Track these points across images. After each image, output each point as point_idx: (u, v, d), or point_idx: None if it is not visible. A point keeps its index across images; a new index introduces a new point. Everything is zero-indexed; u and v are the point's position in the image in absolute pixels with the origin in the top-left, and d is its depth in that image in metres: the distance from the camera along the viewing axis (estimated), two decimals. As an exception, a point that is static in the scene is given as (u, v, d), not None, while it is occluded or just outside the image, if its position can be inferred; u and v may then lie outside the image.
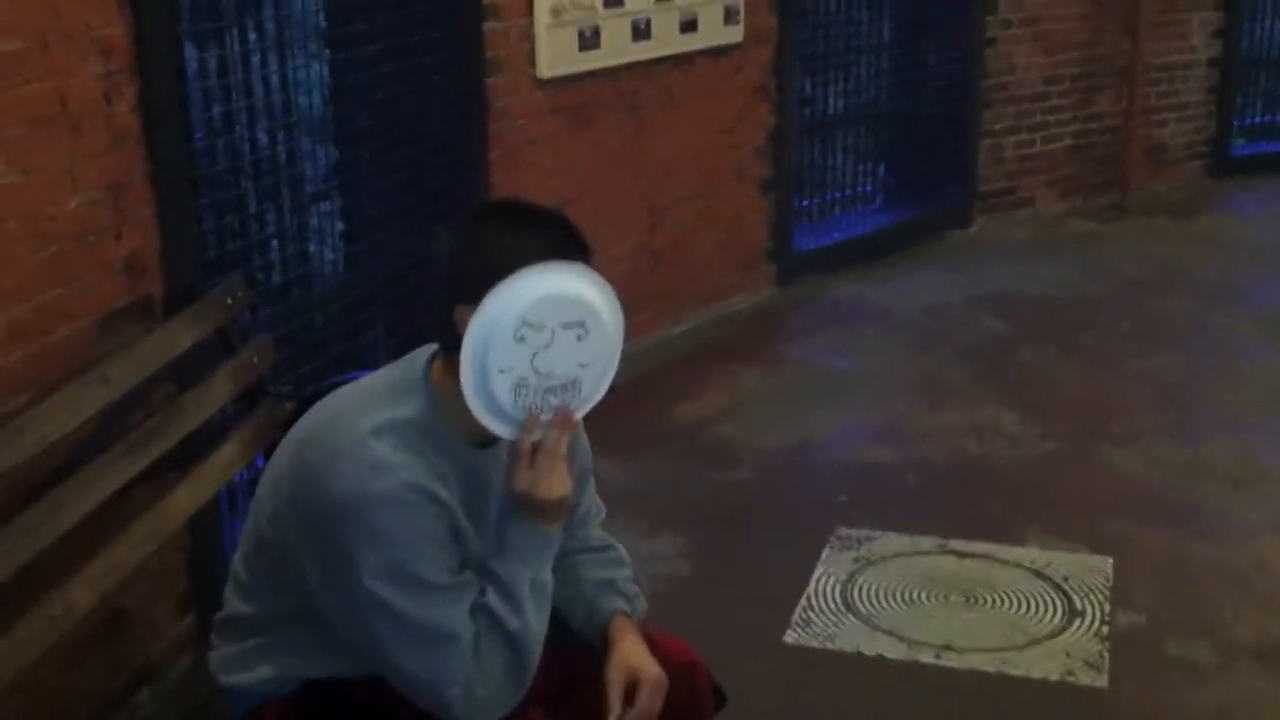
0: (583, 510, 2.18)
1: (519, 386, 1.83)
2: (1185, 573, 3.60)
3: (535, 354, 1.82)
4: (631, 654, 2.02)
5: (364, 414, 1.87)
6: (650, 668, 2.01)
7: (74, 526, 2.39)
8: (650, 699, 1.98)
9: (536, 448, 1.87)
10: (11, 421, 2.36)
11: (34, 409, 2.40)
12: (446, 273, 1.90)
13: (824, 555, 3.68)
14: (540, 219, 1.90)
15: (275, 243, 3.91)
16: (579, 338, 1.83)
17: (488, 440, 1.92)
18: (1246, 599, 3.47)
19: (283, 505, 1.92)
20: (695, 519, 3.93)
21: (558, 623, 2.03)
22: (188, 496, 2.73)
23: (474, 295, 1.79)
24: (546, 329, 1.81)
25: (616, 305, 1.89)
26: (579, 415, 1.92)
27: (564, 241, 1.86)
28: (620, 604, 2.11)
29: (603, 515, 2.25)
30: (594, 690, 2.01)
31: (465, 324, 1.80)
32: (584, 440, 2.13)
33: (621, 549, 2.23)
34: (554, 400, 1.86)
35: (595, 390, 1.91)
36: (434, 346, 1.95)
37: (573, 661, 2.09)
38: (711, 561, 3.70)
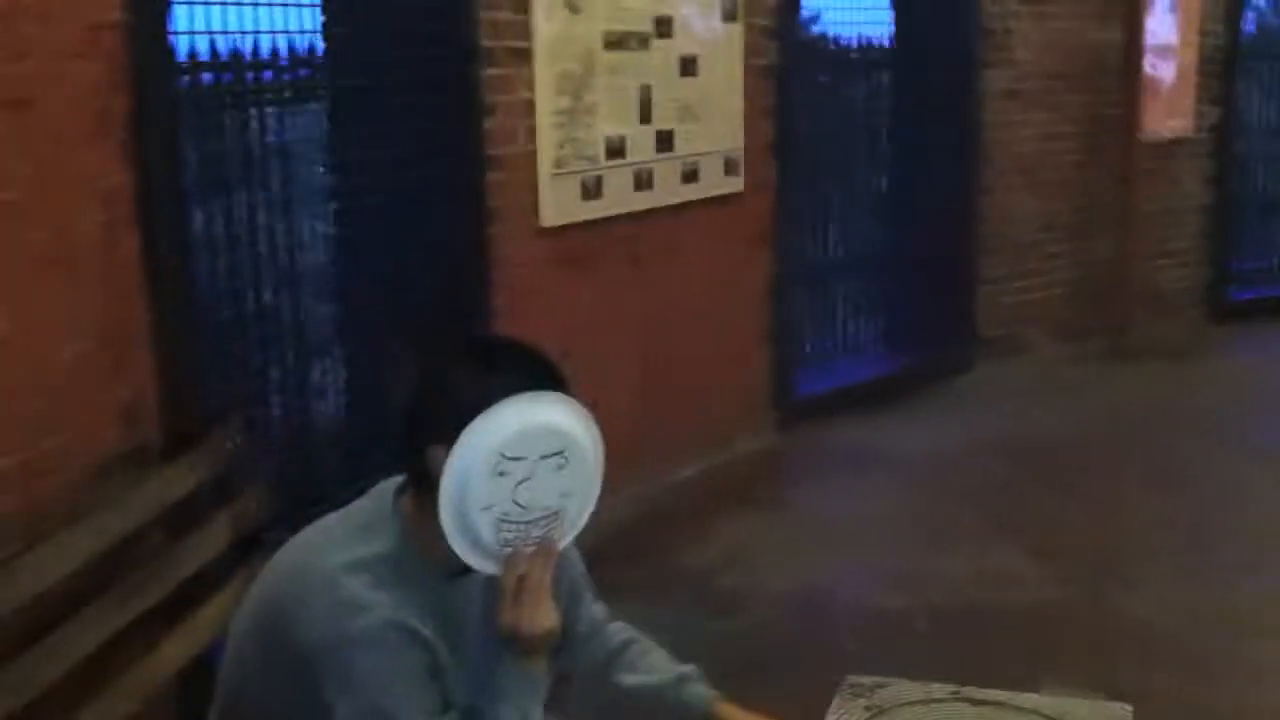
0: (588, 623, 2.14)
1: (501, 522, 1.79)
2: (1205, 722, 3.51)
3: (516, 488, 1.78)
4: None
5: (333, 552, 1.83)
6: None
7: (63, 677, 2.33)
8: None
9: (521, 582, 1.82)
10: (1, 570, 2.31)
11: (24, 557, 2.36)
12: (417, 412, 1.87)
13: (834, 705, 3.57)
14: (511, 353, 1.89)
15: (276, 393, 3.90)
16: (559, 467, 1.80)
17: (460, 571, 1.87)
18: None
19: (253, 654, 1.86)
20: (701, 669, 3.83)
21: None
22: (178, 648, 2.67)
23: (447, 434, 1.76)
24: (526, 461, 1.77)
25: (595, 431, 1.86)
26: (562, 544, 1.87)
27: (537, 373, 1.84)
28: (704, 689, 2.12)
29: (605, 618, 2.20)
30: None
31: (439, 463, 1.77)
32: (572, 552, 2.07)
33: (641, 635, 2.19)
34: (536, 532, 1.82)
35: (578, 519, 1.87)
36: (397, 479, 1.91)
37: None
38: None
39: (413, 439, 1.83)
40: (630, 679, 2.12)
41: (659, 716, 2.10)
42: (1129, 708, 3.56)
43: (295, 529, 1.91)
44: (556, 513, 1.83)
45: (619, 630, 2.18)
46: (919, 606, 4.18)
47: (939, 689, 3.63)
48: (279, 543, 2.91)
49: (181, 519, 2.84)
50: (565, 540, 1.87)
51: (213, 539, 2.82)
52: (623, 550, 4.28)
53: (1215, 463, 5.43)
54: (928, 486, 5.22)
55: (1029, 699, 3.60)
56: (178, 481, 2.80)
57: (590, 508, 1.88)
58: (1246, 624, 4.03)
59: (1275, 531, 4.74)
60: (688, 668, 2.17)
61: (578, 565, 2.12)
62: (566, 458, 1.80)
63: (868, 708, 3.56)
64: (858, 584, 4.37)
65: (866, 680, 3.37)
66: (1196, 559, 4.51)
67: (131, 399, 2.85)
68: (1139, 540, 4.70)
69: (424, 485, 1.82)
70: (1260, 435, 5.79)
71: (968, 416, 6.03)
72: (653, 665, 2.15)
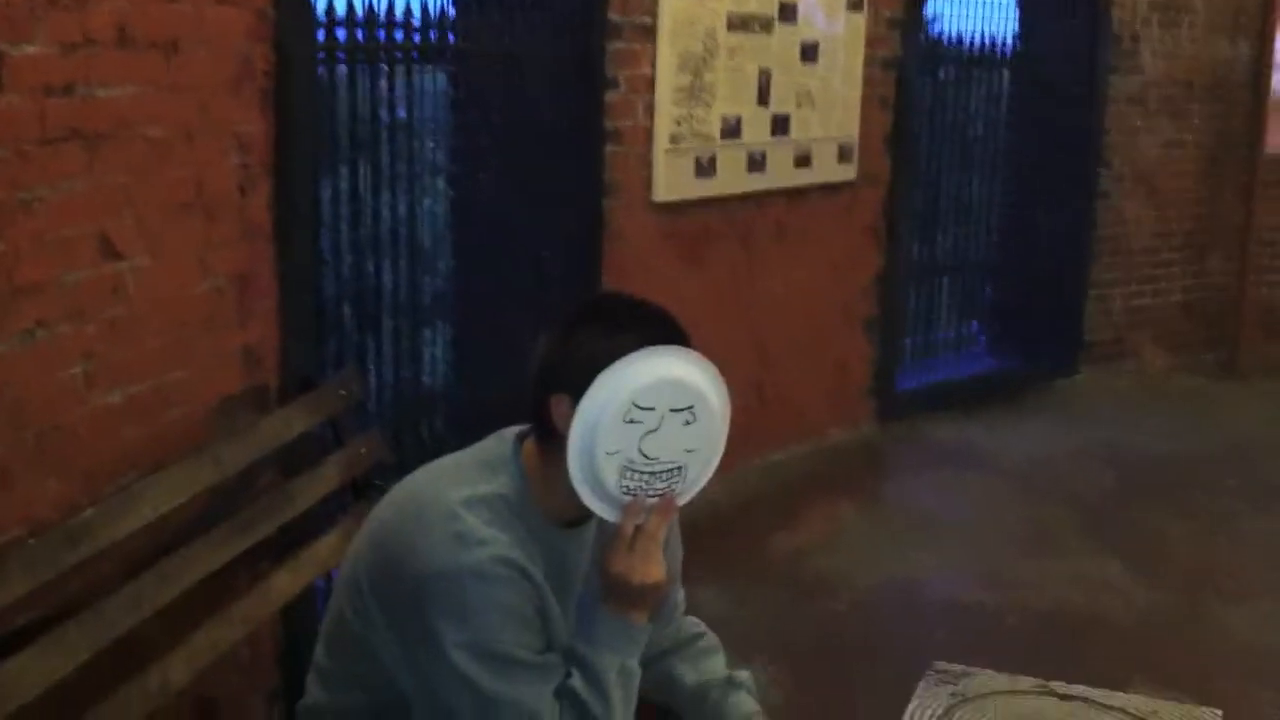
0: (673, 604, 2.16)
1: (625, 469, 1.82)
2: (1297, 734, 3.47)
3: (643, 437, 1.81)
4: None
5: (453, 487, 1.86)
6: None
7: (175, 602, 2.41)
8: None
9: (637, 532, 1.86)
10: (124, 493, 2.40)
11: (145, 481, 2.45)
12: (546, 363, 1.89)
13: (919, 689, 3.57)
14: (641, 311, 1.91)
15: (390, 350, 3.99)
16: (687, 423, 1.83)
17: (575, 521, 1.91)
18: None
19: (364, 582, 1.90)
20: (789, 648, 3.86)
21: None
22: (286, 583, 2.75)
23: (575, 385, 1.80)
24: (656, 413, 1.80)
25: (724, 392, 1.88)
26: (682, 501, 1.90)
27: (668, 332, 1.87)
28: (749, 700, 2.10)
29: (683, 607, 2.22)
30: None
31: (561, 413, 1.81)
32: (677, 532, 2.11)
33: (710, 633, 2.21)
34: (659, 485, 1.85)
35: (699, 477, 1.89)
36: (521, 427, 1.95)
37: None
38: (804, 692, 3.62)
39: (539, 388, 1.86)
40: (684, 670, 2.13)
41: (698, 710, 2.11)
42: (1219, 712, 3.53)
43: (403, 476, 1.96)
44: (680, 468, 1.85)
45: (693, 624, 2.21)
46: (1010, 604, 4.17)
47: (1025, 681, 3.61)
48: (385, 489, 3.01)
49: (295, 460, 2.92)
50: (685, 497, 1.90)
51: (323, 481, 2.90)
52: (719, 528, 4.33)
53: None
54: (1024, 488, 5.19)
55: (1117, 697, 3.56)
56: (293, 423, 2.88)
57: (713, 467, 1.90)
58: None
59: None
60: (743, 673, 2.16)
61: (680, 548, 2.15)
62: (695, 414, 1.83)
63: (953, 694, 3.57)
64: (948, 578, 4.36)
65: (953, 668, 3.38)
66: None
67: (254, 342, 2.93)
68: (1240, 557, 4.63)
69: (547, 433, 1.86)
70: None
71: (1068, 421, 5.98)
72: (710, 668, 2.16)
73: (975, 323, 6.66)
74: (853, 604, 4.16)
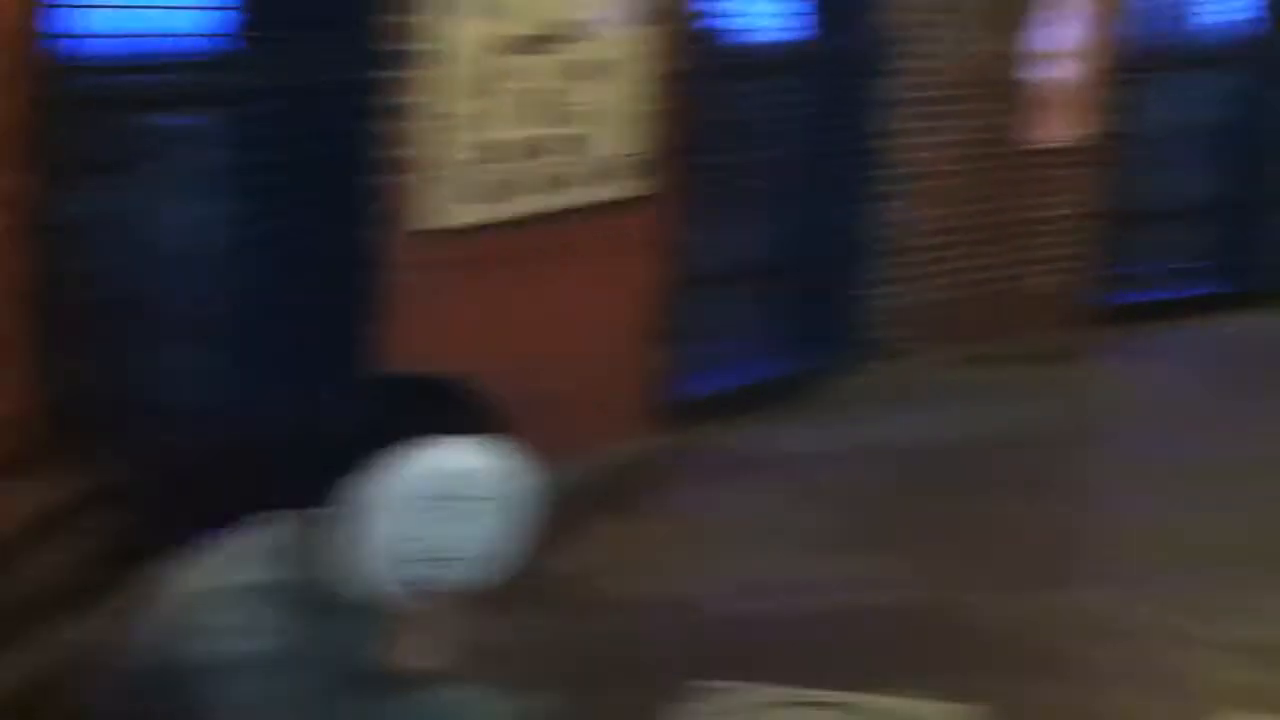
0: None
1: (409, 561, 1.80)
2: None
3: (432, 526, 1.79)
4: None
5: (222, 576, 1.83)
6: None
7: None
8: None
9: (416, 619, 1.85)
10: None
11: None
12: (337, 441, 1.85)
13: (671, 710, 3.64)
14: (444, 392, 1.90)
15: (150, 412, 3.87)
16: (477, 513, 1.82)
17: (353, 605, 1.87)
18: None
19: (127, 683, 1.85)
20: (563, 673, 3.88)
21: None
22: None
23: (360, 467, 1.77)
24: (448, 501, 1.79)
25: (526, 483, 1.89)
26: (467, 590, 1.89)
27: (469, 414, 1.86)
28: None
29: None
30: None
31: (347, 496, 1.78)
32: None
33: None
34: (444, 575, 1.83)
35: (488, 569, 1.88)
36: (293, 511, 1.90)
37: None
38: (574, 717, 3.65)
39: (316, 470, 1.83)
40: None
41: None
42: (981, 708, 3.67)
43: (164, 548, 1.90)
44: (466, 557, 1.84)
45: None
46: (789, 610, 4.26)
47: (785, 692, 3.71)
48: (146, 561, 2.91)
49: (41, 532, 2.83)
50: (471, 587, 1.88)
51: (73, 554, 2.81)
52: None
53: (1090, 469, 5.57)
54: (807, 491, 5.29)
55: (878, 702, 3.69)
56: (40, 493, 2.79)
57: (507, 560, 1.90)
58: (1099, 628, 4.15)
59: (1143, 539, 4.85)
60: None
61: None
62: (483, 503, 1.83)
63: (715, 712, 3.63)
64: (727, 589, 4.43)
65: (709, 685, 3.44)
66: (1059, 564, 4.65)
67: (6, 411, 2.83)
68: (1009, 546, 4.80)
69: (322, 517, 1.82)
70: (1136, 442, 5.94)
71: (852, 420, 6.11)
72: None
73: (761, 326, 6.77)
74: (628, 623, 4.20)
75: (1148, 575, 4.53)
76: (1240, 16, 8.35)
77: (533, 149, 4.81)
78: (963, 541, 4.84)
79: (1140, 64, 8.01)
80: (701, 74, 5.80)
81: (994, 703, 3.69)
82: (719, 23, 6.27)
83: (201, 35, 3.91)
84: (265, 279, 4.16)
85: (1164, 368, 7.20)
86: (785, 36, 6.58)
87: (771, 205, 6.73)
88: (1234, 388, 6.77)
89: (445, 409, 1.86)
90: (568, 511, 5.02)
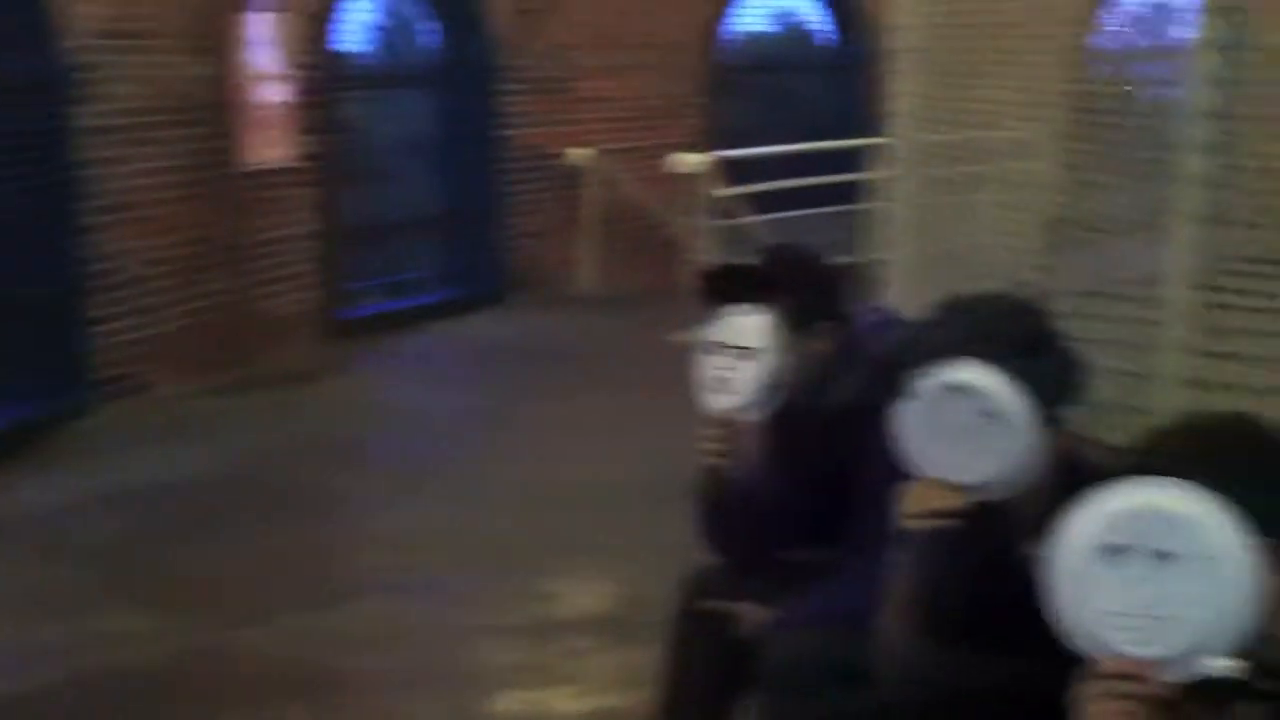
0: None
1: None
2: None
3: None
4: None
5: None
6: None
7: None
8: None
9: None
10: None
11: None
12: None
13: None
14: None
15: None
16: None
17: None
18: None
19: None
20: None
21: None
22: None
23: None
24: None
25: None
26: None
27: None
28: None
29: None
30: None
31: None
32: None
33: None
34: None
35: None
36: None
37: None
38: None
39: None
40: None
41: None
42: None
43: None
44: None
45: None
46: (29, 681, 3.84)
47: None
48: None
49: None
50: None
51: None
52: None
53: (341, 485, 5.56)
54: (37, 549, 4.85)
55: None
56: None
57: None
58: (365, 639, 4.13)
59: (392, 547, 4.89)
60: None
61: None
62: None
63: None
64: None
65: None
66: (320, 584, 4.57)
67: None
68: (266, 574, 4.66)
69: None
70: (379, 452, 6.04)
71: (82, 467, 5.69)
72: None
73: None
74: None
75: (420, 577, 4.58)
76: (443, 37, 8.78)
77: None
78: (219, 579, 4.63)
79: (351, 83, 8.21)
80: None
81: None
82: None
83: None
84: None
85: (403, 376, 7.43)
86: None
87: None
88: (473, 388, 7.12)
89: None
90: None
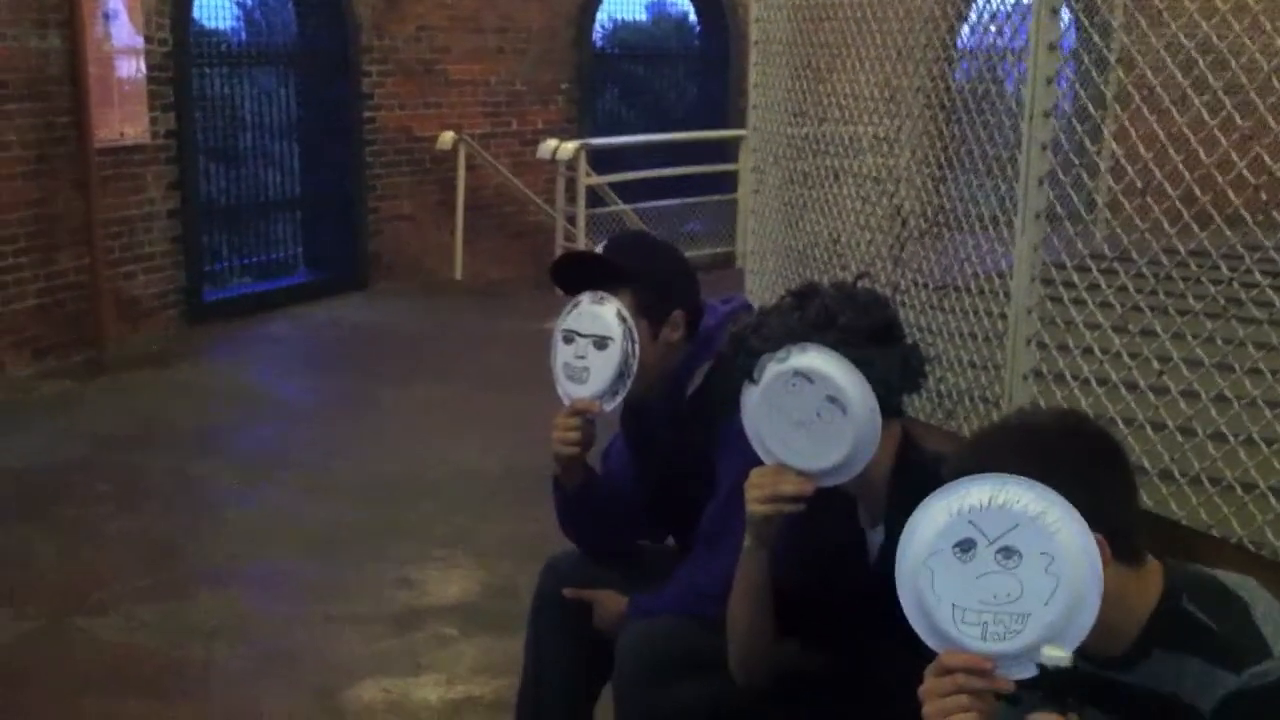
0: None
1: None
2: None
3: None
4: None
5: None
6: None
7: None
8: None
9: None
10: None
11: None
12: None
13: None
14: None
15: None
16: None
17: None
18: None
19: None
20: None
21: None
22: None
23: None
24: None
25: None
26: None
27: None
28: None
29: None
30: None
31: None
32: None
33: None
34: None
35: None
36: None
37: None
38: None
39: None
40: None
41: None
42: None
43: None
44: None
45: None
46: None
47: None
48: None
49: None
50: None
51: None
52: None
53: (194, 471, 5.43)
54: None
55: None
56: None
57: None
58: (211, 629, 4.03)
59: (241, 534, 4.78)
60: None
61: None
62: None
63: None
64: None
65: None
66: (166, 573, 4.45)
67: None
68: (109, 562, 4.53)
69: None
70: (234, 438, 5.91)
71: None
72: None
73: None
74: None
75: (275, 566, 4.50)
76: (305, 16, 8.62)
77: None
78: (60, 564, 4.48)
79: (211, 60, 8.02)
80: None
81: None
82: None
83: None
84: None
85: (262, 360, 7.28)
86: None
87: None
88: (332, 374, 7.00)
89: None
90: None
